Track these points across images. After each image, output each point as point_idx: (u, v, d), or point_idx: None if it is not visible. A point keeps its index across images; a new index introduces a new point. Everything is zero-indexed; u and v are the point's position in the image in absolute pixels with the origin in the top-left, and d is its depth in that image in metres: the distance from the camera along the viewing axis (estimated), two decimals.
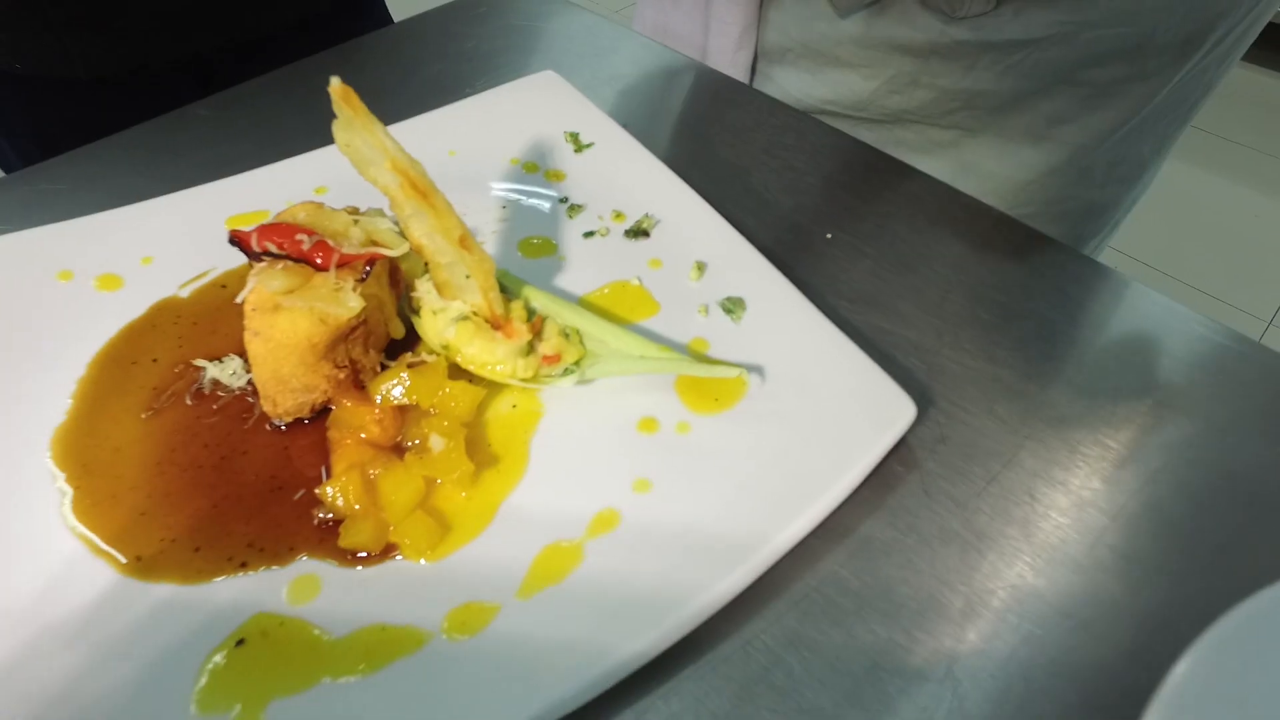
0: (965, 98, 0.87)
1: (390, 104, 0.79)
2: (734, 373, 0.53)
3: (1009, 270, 0.67)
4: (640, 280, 0.62)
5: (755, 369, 0.56)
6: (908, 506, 0.53)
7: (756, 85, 0.98)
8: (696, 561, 0.47)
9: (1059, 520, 0.52)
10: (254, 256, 0.52)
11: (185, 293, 0.63)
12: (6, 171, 1.01)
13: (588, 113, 0.76)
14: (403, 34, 0.98)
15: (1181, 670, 0.36)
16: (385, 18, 1.14)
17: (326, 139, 0.76)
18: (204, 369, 0.57)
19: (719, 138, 0.81)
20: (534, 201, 0.70)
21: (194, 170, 0.74)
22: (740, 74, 0.97)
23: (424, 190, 0.49)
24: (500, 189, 0.71)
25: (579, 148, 0.74)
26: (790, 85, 0.95)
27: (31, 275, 0.62)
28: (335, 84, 0.46)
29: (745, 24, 0.93)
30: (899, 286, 0.66)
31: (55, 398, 0.56)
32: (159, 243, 0.66)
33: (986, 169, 0.91)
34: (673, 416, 0.54)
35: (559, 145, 0.74)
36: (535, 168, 0.72)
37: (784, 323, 0.58)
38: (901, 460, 0.55)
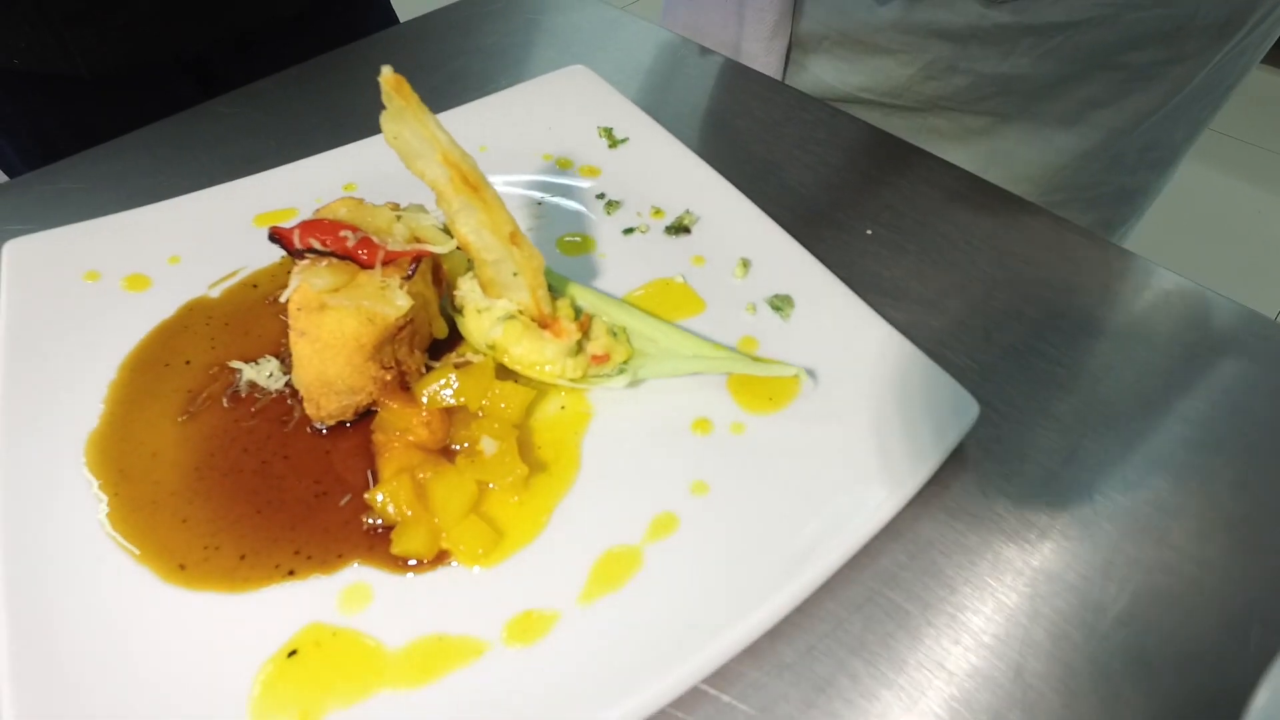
0: (1002, 82, 0.86)
1: None
2: (790, 371, 0.52)
3: (1051, 265, 0.66)
4: (684, 278, 0.61)
5: (808, 367, 0.54)
6: (965, 507, 0.52)
7: (789, 75, 0.97)
8: (760, 566, 0.45)
9: (1121, 520, 0.51)
10: (296, 254, 0.50)
11: (215, 292, 0.62)
12: (7, 172, 0.99)
13: (621, 107, 0.75)
14: (416, 31, 0.97)
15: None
16: (390, 16, 1.12)
17: (351, 135, 0.76)
18: (240, 371, 0.56)
19: (750, 133, 0.79)
20: (570, 198, 0.68)
21: (217, 168, 0.72)
22: (775, 63, 0.96)
23: (475, 184, 0.48)
24: (534, 185, 0.69)
25: (613, 143, 0.72)
26: (825, 74, 0.94)
27: (58, 276, 0.60)
28: (387, 73, 0.44)
29: (780, 13, 0.92)
30: (943, 283, 0.65)
31: (87, 402, 0.54)
32: (186, 242, 0.64)
33: (1019, 155, 0.90)
34: (726, 416, 0.53)
35: (592, 140, 0.73)
36: (569, 164, 0.71)
37: (835, 320, 0.57)
38: (956, 458, 0.54)
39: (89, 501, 0.49)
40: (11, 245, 0.61)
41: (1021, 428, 0.56)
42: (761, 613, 0.44)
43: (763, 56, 0.95)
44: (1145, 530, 0.50)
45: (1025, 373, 0.59)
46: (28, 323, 0.57)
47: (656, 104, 0.80)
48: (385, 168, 0.66)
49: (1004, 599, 0.47)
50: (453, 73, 0.87)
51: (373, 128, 0.73)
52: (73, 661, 0.42)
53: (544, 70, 0.82)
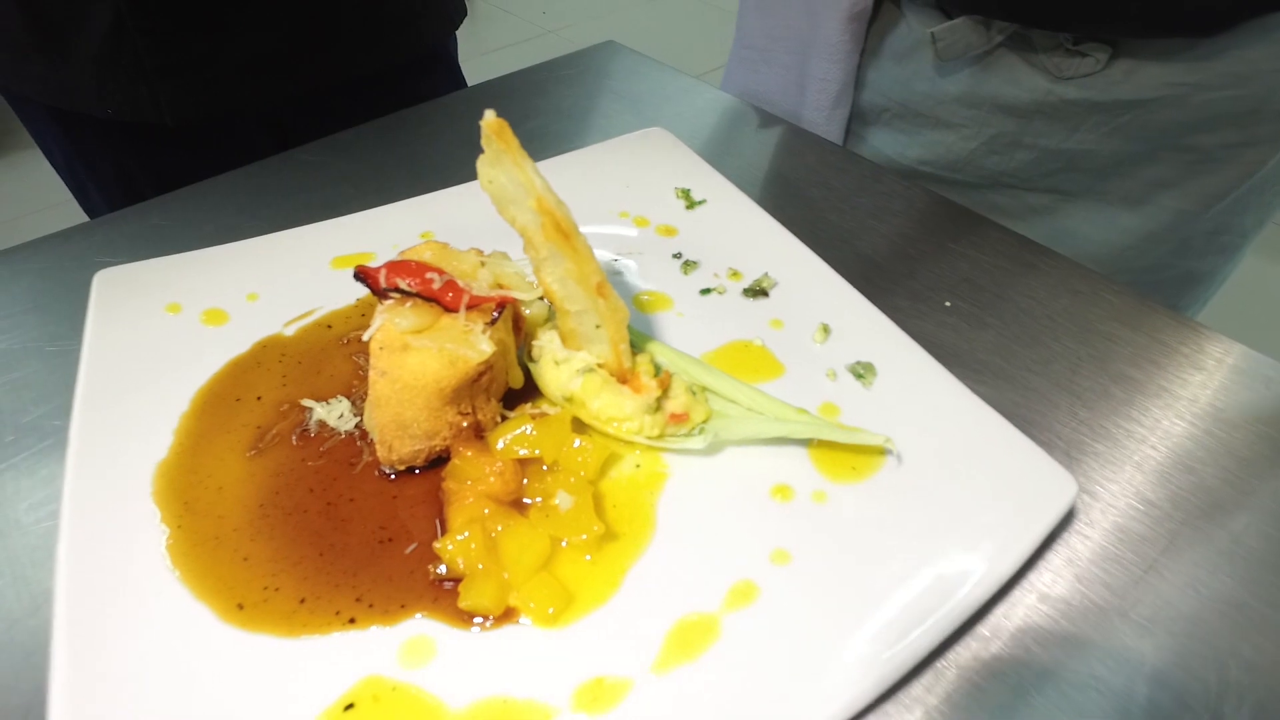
0: (1067, 159, 0.85)
1: None
2: (879, 439, 0.50)
3: (1138, 343, 0.64)
4: (762, 341, 0.60)
5: (892, 438, 0.52)
6: (1059, 592, 0.49)
7: (848, 145, 0.98)
8: (845, 646, 0.43)
9: (1233, 617, 0.47)
10: (380, 294, 0.50)
11: (290, 331, 0.62)
12: (89, 213, 1.02)
13: (699, 169, 0.75)
14: (488, 93, 0.99)
15: None
16: (459, 80, 1.15)
17: (428, 186, 0.77)
18: (311, 410, 0.55)
19: (823, 201, 0.79)
20: (646, 256, 0.68)
21: (297, 212, 0.73)
22: (835, 133, 0.96)
23: (567, 231, 0.47)
24: (610, 242, 0.69)
25: (691, 204, 0.72)
26: (884, 145, 0.94)
27: (142, 306, 0.61)
28: (489, 116, 0.44)
29: (843, 83, 0.93)
30: (1026, 359, 0.63)
31: (159, 431, 0.54)
32: (265, 280, 0.65)
33: (1082, 235, 0.89)
34: (807, 484, 0.51)
35: (670, 201, 0.73)
36: (645, 222, 0.71)
37: (919, 390, 0.55)
38: (1047, 540, 0.51)
39: (153, 532, 0.48)
40: (102, 275, 0.63)
41: (1115, 511, 0.53)
42: (846, 697, 0.41)
43: (823, 126, 0.96)
44: (1262, 629, 0.46)
45: (1117, 454, 0.56)
46: (110, 349, 0.57)
47: (728, 168, 0.80)
48: (461, 218, 0.67)
49: (1102, 696, 0.44)
50: (527, 132, 0.88)
51: (449, 179, 0.75)
52: (125, 694, 0.41)
53: (616, 132, 0.83)
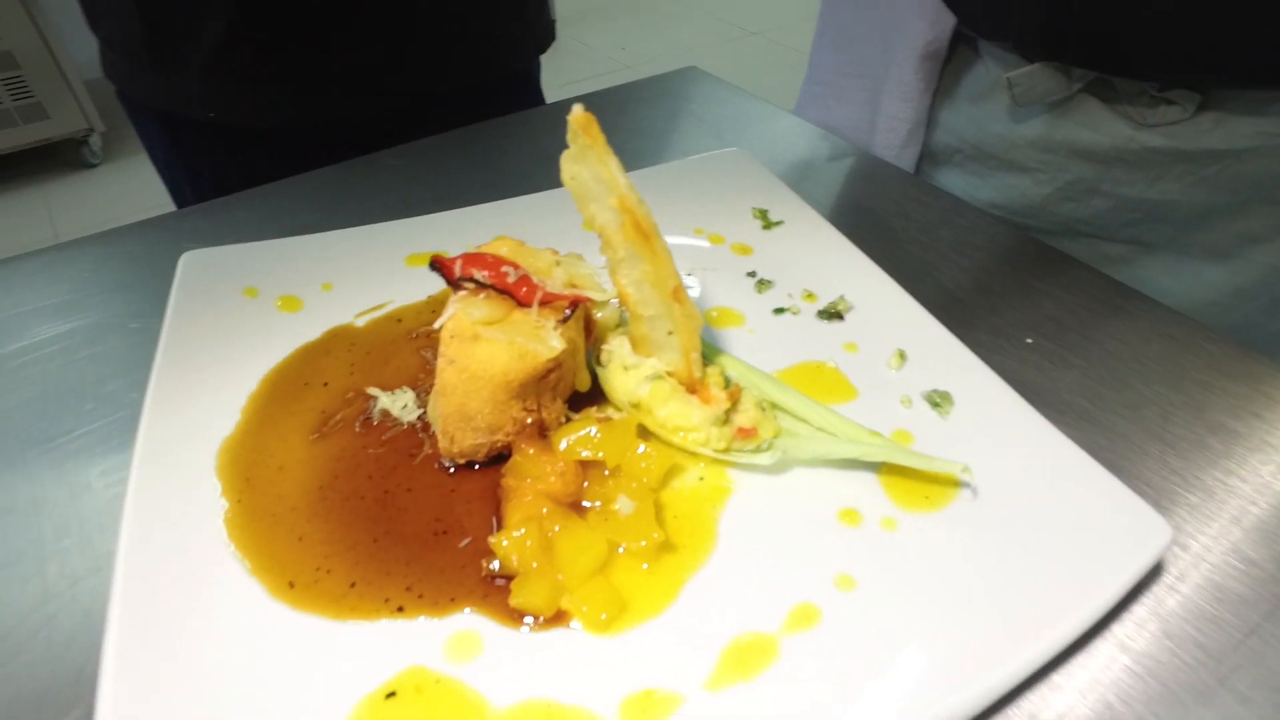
0: (1147, 209, 0.81)
1: None
2: (957, 467, 0.47)
3: (1236, 393, 0.60)
4: (835, 363, 0.58)
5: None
6: (1146, 649, 0.45)
7: None
8: (908, 680, 0.40)
9: None
10: (454, 284, 0.50)
11: (361, 322, 0.62)
12: (180, 206, 1.06)
13: (777, 191, 0.74)
14: (567, 110, 1.00)
15: None
16: (540, 101, 1.17)
17: (503, 195, 0.78)
18: (376, 398, 0.55)
19: (903, 231, 0.77)
20: (720, 273, 0.67)
21: (375, 211, 0.74)
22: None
23: (647, 232, 0.47)
24: (685, 256, 0.69)
25: (768, 224, 0.71)
26: (954, 186, 0.92)
27: (222, 289, 0.62)
28: (578, 111, 0.44)
29: (914, 122, 0.91)
30: (1113, 403, 0.60)
31: (227, 409, 0.54)
32: (340, 272, 0.66)
33: (1163, 288, 0.84)
34: (877, 510, 0.48)
35: (746, 220, 0.72)
36: (721, 239, 0.70)
37: (998, 422, 0.53)
38: (1133, 593, 0.47)
39: (213, 505, 0.48)
40: (187, 257, 0.65)
41: (1210, 567, 0.49)
42: None
43: (893, 164, 0.94)
44: None
45: (1212, 506, 0.52)
46: (188, 327, 0.59)
47: (806, 194, 0.79)
48: (535, 224, 0.67)
49: None
50: None
51: (523, 190, 0.76)
52: (173, 658, 0.41)
53: (694, 152, 0.82)
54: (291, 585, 0.45)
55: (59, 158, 3.00)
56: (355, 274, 0.66)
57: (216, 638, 0.42)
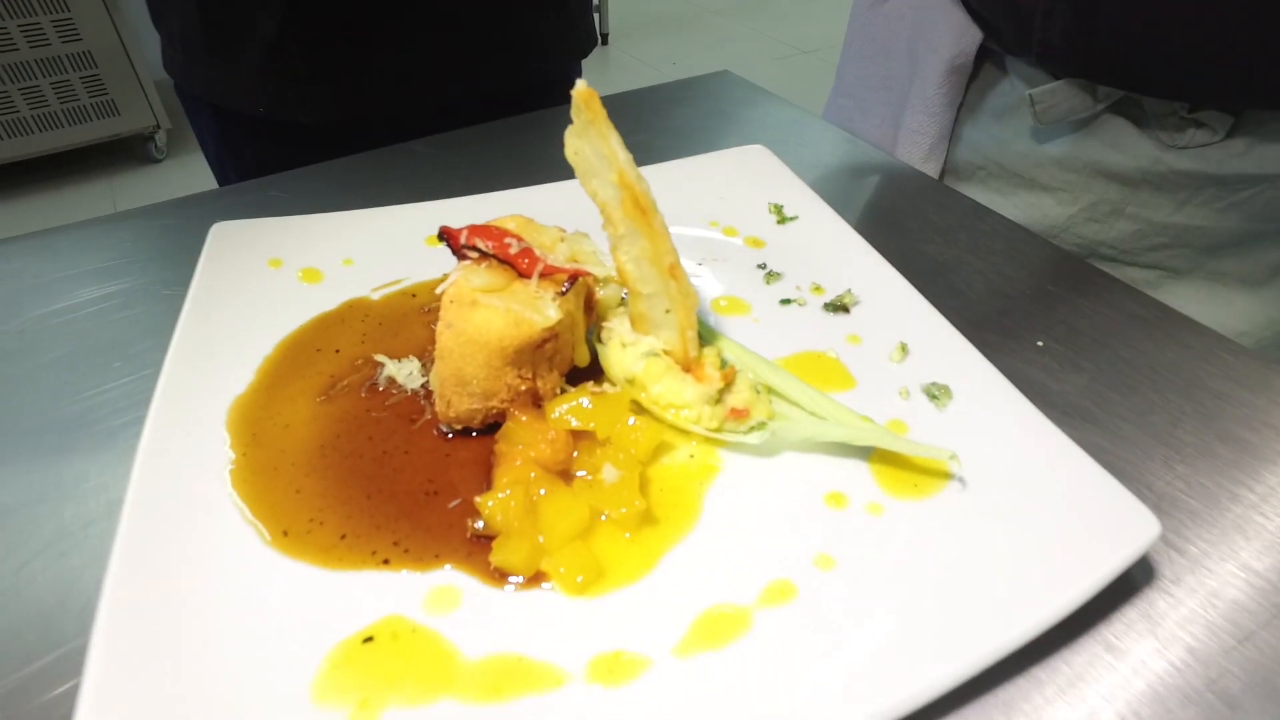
0: (1174, 234, 0.79)
1: None
2: (945, 454, 0.47)
3: (1252, 405, 0.59)
4: (836, 354, 0.58)
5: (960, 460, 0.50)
6: (1132, 647, 0.44)
7: None
8: (880, 663, 0.40)
9: None
10: (459, 253, 0.52)
11: (376, 295, 0.64)
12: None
13: (794, 187, 0.75)
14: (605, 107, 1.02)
15: None
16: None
17: (527, 181, 0.80)
18: (382, 365, 0.57)
19: (920, 233, 0.77)
20: (731, 264, 0.68)
21: (403, 195, 0.77)
22: None
23: (645, 208, 0.48)
24: (698, 246, 0.69)
25: (782, 219, 0.72)
26: None
27: (248, 258, 0.65)
28: (580, 86, 0.45)
29: (937, 137, 0.91)
30: (1120, 406, 0.59)
31: (242, 370, 0.56)
32: (362, 248, 0.68)
33: (1189, 314, 0.82)
34: (863, 495, 0.48)
35: (762, 215, 0.73)
36: (734, 232, 0.71)
37: (995, 417, 0.52)
38: (1124, 592, 0.46)
39: (220, 457, 0.50)
40: (217, 227, 0.68)
41: (1208, 573, 0.48)
42: (870, 712, 0.38)
43: (917, 169, 0.94)
44: None
45: (1215, 514, 0.51)
46: (213, 292, 0.61)
47: (825, 192, 0.79)
48: (554, 211, 0.68)
49: None
50: (636, 145, 0.89)
51: (550, 179, 0.77)
52: (168, 594, 0.42)
53: (720, 149, 0.83)
54: (285, 534, 0.46)
55: (127, 152, 3.14)
56: (375, 251, 0.68)
57: (211, 578, 0.44)
